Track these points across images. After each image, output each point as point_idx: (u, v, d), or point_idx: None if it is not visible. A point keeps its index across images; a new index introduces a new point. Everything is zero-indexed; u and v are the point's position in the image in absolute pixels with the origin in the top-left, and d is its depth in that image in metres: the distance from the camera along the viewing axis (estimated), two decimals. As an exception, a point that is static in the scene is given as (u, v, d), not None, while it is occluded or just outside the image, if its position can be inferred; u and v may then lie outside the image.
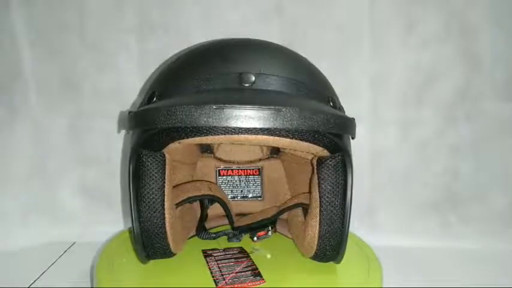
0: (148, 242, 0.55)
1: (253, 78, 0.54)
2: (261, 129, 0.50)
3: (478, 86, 0.83)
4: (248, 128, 0.50)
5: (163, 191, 0.55)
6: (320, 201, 0.56)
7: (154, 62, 0.81)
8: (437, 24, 0.81)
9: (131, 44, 0.83)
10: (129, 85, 0.83)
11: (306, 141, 0.54)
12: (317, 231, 0.57)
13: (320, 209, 0.56)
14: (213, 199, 0.67)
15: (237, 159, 0.77)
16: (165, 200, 0.55)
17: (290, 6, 0.81)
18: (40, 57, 0.83)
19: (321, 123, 0.51)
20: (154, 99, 0.56)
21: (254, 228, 0.68)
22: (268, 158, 0.77)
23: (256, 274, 0.58)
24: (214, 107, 0.48)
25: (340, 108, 0.61)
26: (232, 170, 0.76)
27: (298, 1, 0.81)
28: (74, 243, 0.87)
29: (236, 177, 0.76)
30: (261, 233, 0.67)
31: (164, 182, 0.55)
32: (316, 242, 0.57)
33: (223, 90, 0.53)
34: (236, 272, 0.59)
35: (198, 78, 0.55)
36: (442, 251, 0.83)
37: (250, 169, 0.76)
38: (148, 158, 0.54)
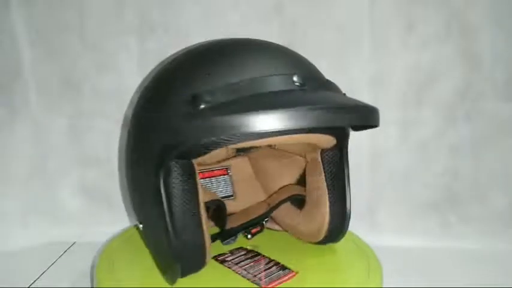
0: (189, 256, 0.54)
1: (300, 79, 0.52)
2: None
3: (478, 86, 0.83)
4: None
5: (199, 200, 0.54)
6: (328, 190, 0.61)
7: (154, 62, 0.81)
8: (437, 24, 0.81)
9: (131, 44, 0.83)
10: (129, 85, 0.83)
11: (334, 135, 0.58)
12: (327, 218, 0.62)
13: (329, 197, 0.61)
14: (216, 203, 0.66)
15: (205, 161, 0.75)
16: (201, 210, 0.54)
17: (290, 6, 0.81)
18: (40, 57, 0.83)
19: (377, 118, 0.53)
20: (203, 105, 0.49)
21: (247, 227, 0.68)
22: (234, 156, 0.78)
23: (283, 267, 0.60)
24: (309, 107, 0.46)
25: None
26: (202, 172, 0.75)
27: (298, 1, 0.81)
28: (74, 243, 0.87)
29: (207, 179, 0.75)
30: (255, 229, 0.68)
31: (198, 191, 0.54)
32: (326, 228, 0.62)
33: (287, 92, 0.51)
34: (264, 271, 0.59)
35: (249, 80, 0.51)
36: (442, 251, 0.84)
37: (218, 169, 0.76)
38: (181, 167, 0.52)
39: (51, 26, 0.82)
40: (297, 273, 0.59)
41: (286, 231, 0.69)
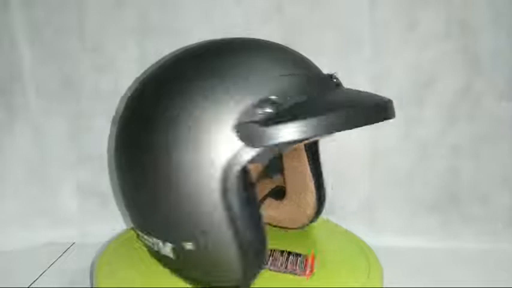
0: (260, 262, 0.53)
1: (336, 79, 0.56)
2: None
3: (479, 85, 0.83)
4: None
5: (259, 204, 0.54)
6: (314, 178, 0.67)
7: (154, 62, 0.80)
8: (438, 24, 0.81)
9: (131, 45, 0.83)
10: (128, 86, 0.83)
11: None
12: (314, 203, 0.68)
13: (315, 184, 0.67)
14: None
15: None
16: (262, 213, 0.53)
17: (290, 6, 0.81)
18: (39, 58, 0.83)
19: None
20: (273, 109, 0.48)
21: None
22: None
23: (298, 254, 0.63)
24: (374, 104, 0.53)
25: None
26: None
27: (299, 0, 0.81)
28: (73, 243, 0.87)
29: None
30: None
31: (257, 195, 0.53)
32: (313, 212, 0.68)
33: (335, 92, 0.55)
34: (288, 261, 0.61)
35: (301, 81, 0.52)
36: (442, 251, 0.83)
37: None
38: (246, 172, 0.50)
39: (50, 27, 0.82)
40: (313, 255, 0.61)
41: (267, 223, 0.71)
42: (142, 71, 0.81)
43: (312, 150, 0.67)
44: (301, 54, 0.59)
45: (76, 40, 0.83)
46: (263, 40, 0.60)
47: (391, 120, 0.84)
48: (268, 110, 0.47)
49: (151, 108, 0.53)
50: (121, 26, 0.82)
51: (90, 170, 0.88)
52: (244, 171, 0.49)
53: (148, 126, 0.52)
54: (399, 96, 0.84)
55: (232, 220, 0.49)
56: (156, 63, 0.75)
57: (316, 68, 0.58)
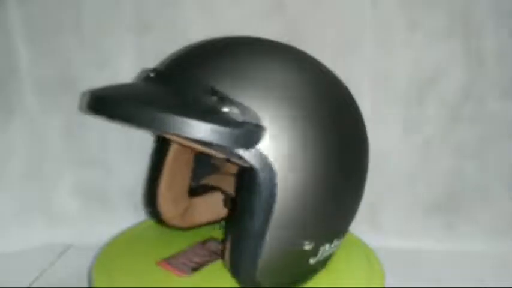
0: None
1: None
2: None
3: (482, 84, 0.82)
4: None
5: None
6: None
7: (152, 60, 0.80)
8: (440, 22, 0.80)
9: (129, 42, 0.82)
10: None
11: None
12: None
13: None
14: None
15: None
16: None
17: (291, 4, 0.80)
18: (37, 56, 0.82)
19: None
20: None
21: None
22: None
23: None
24: None
25: None
26: None
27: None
28: (71, 245, 0.86)
29: None
30: None
31: None
32: None
33: None
34: None
35: None
36: (445, 252, 0.83)
37: None
38: None
39: (48, 24, 0.81)
40: None
41: None
42: (140, 67, 0.81)
43: None
44: None
45: (74, 37, 0.82)
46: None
47: (393, 120, 0.85)
48: None
49: None
50: (119, 23, 0.81)
51: (89, 170, 0.87)
52: None
53: None
54: (401, 95, 0.84)
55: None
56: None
57: None
